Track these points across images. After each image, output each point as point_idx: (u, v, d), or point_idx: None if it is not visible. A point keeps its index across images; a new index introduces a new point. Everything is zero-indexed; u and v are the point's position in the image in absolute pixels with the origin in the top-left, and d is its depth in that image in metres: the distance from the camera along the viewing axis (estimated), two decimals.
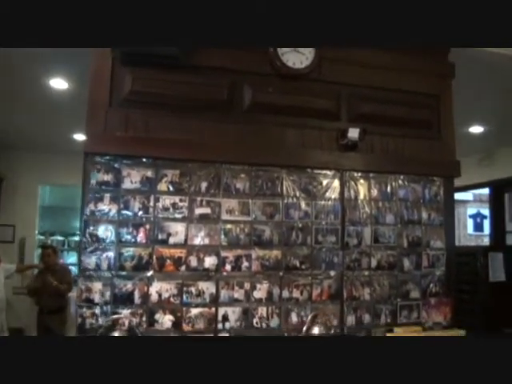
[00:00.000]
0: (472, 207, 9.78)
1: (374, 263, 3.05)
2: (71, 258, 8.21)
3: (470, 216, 9.79)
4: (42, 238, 7.90)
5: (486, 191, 7.38)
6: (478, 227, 9.79)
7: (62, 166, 6.88)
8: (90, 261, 2.57)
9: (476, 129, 5.63)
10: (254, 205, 2.82)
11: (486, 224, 9.67)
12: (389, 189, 3.14)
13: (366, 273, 3.03)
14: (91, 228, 2.59)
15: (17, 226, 7.20)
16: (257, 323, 2.76)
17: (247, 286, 2.76)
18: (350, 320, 2.95)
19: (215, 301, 2.70)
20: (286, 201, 2.88)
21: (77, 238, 8.10)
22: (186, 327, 2.64)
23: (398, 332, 2.88)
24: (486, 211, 9.67)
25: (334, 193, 2.99)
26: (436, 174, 3.29)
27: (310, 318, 2.68)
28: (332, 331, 2.73)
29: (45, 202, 8.01)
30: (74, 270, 6.35)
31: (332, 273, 2.94)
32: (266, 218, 2.83)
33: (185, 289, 2.66)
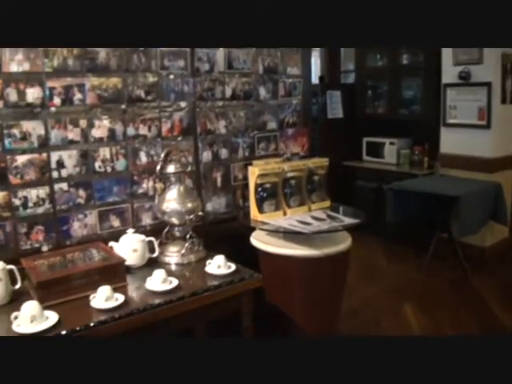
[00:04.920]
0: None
1: (228, 92, 2.72)
2: None
3: None
4: None
5: None
6: None
7: None
8: None
9: None
10: None
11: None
12: None
13: (220, 103, 2.70)
14: None
15: None
16: (100, 167, 2.33)
17: (83, 123, 2.26)
18: (206, 156, 2.66)
19: (45, 144, 2.18)
20: None
21: None
22: (14, 180, 2.12)
23: (258, 164, 2.66)
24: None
25: None
26: None
27: (163, 155, 2.31)
28: (189, 168, 2.40)
29: None
30: None
31: (183, 104, 2.55)
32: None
33: (6, 131, 2.08)
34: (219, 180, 2.73)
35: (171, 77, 2.50)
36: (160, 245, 2.26)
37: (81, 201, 2.29)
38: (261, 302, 2.25)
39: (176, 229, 2.32)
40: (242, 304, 2.08)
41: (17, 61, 2.08)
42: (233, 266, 2.09)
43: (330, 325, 2.61)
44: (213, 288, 1.96)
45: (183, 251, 2.23)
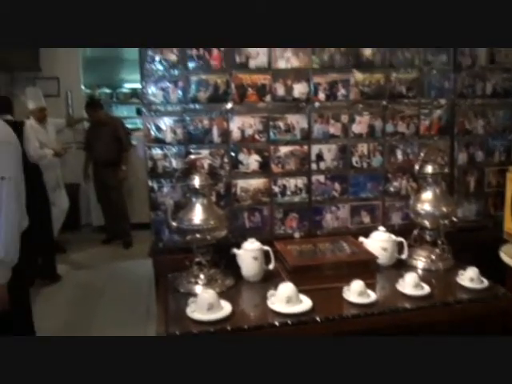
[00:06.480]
0: None
1: (489, 89, 2.52)
2: (120, 112, 7.58)
3: None
4: (88, 91, 7.15)
5: None
6: None
7: None
8: (156, 91, 2.11)
9: None
10: None
11: None
12: None
13: (480, 101, 2.52)
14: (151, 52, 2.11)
15: (60, 79, 6.50)
16: (357, 162, 2.35)
17: (344, 118, 2.30)
18: (462, 158, 2.52)
19: (307, 137, 2.28)
20: None
21: (124, 91, 7.58)
22: (276, 168, 2.27)
23: None
24: None
25: None
26: None
27: (424, 153, 2.25)
28: (446, 170, 2.30)
29: (87, 53, 7.03)
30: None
31: (442, 101, 2.44)
32: None
33: (271, 123, 2.23)
34: (472, 185, 2.56)
35: (434, 72, 2.40)
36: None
37: (335, 194, 2.35)
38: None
39: (427, 232, 2.23)
40: (487, 326, 1.90)
41: (285, 58, 2.20)
42: (485, 282, 1.92)
43: None
44: (466, 301, 1.84)
45: (433, 257, 2.15)
